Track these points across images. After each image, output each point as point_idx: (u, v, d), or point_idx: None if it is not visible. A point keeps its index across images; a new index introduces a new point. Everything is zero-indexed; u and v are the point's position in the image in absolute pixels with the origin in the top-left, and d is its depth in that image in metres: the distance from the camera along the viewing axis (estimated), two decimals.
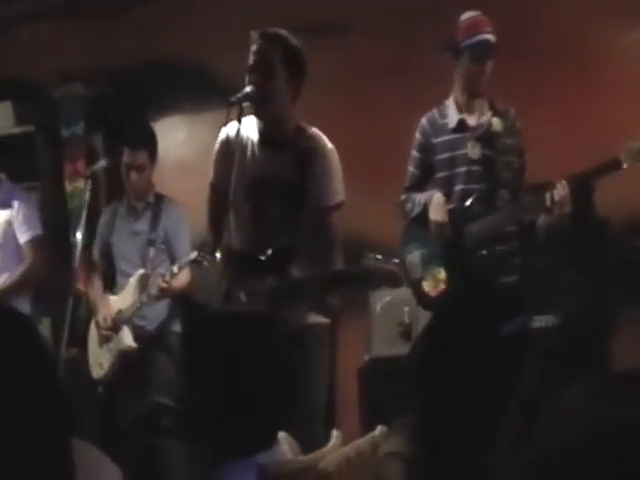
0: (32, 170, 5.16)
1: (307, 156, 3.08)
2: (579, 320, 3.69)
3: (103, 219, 4.19)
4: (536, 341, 3.34)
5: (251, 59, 3.07)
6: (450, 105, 3.61)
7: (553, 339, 3.57)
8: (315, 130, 3.17)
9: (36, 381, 1.11)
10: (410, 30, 4.50)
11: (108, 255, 4.14)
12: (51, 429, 1.10)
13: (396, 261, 3.10)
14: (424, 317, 3.39)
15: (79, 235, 3.83)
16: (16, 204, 4.42)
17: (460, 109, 3.59)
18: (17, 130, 5.21)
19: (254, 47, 3.08)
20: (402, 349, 3.68)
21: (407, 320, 3.95)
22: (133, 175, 4.01)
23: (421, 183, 3.67)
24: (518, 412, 1.67)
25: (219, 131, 3.21)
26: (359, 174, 4.09)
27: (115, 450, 1.73)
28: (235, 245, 3.16)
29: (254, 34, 3.10)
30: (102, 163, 4.21)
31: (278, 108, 3.08)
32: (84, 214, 3.87)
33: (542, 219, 3.52)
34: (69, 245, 4.72)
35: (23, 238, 4.40)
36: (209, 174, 3.28)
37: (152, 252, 3.97)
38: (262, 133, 3.15)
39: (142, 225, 4.06)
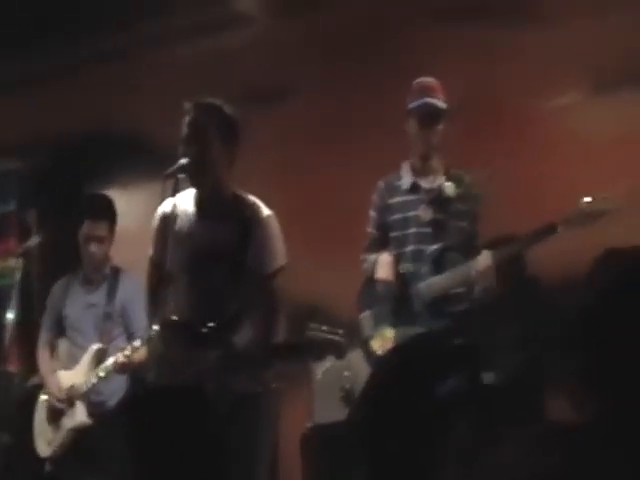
0: None
1: (246, 224, 3.10)
2: (516, 379, 3.71)
3: (55, 291, 4.12)
4: (476, 398, 3.35)
5: (185, 130, 3.10)
6: (405, 167, 3.68)
7: (493, 396, 3.58)
8: (252, 197, 3.19)
9: None
10: (359, 92, 4.56)
11: (60, 328, 4.06)
12: None
13: (340, 332, 3.09)
14: (364, 380, 3.37)
15: (10, 314, 3.75)
16: None
17: (414, 172, 3.65)
18: None
19: (187, 118, 3.11)
20: (343, 414, 3.67)
21: (347, 385, 3.94)
22: (93, 247, 3.98)
23: (380, 243, 3.70)
24: (456, 465, 1.65)
25: (156, 203, 3.21)
26: (309, 240, 4.13)
27: None
28: (175, 317, 3.12)
29: (187, 105, 3.13)
30: (35, 239, 4.18)
31: (214, 177, 3.10)
32: (16, 294, 3.80)
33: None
34: None
35: None
36: (148, 246, 3.26)
37: (109, 325, 3.92)
38: (199, 203, 3.17)
39: (98, 297, 4.02)
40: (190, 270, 3.13)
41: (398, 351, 2.16)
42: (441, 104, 3.55)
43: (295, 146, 4.68)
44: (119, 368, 3.75)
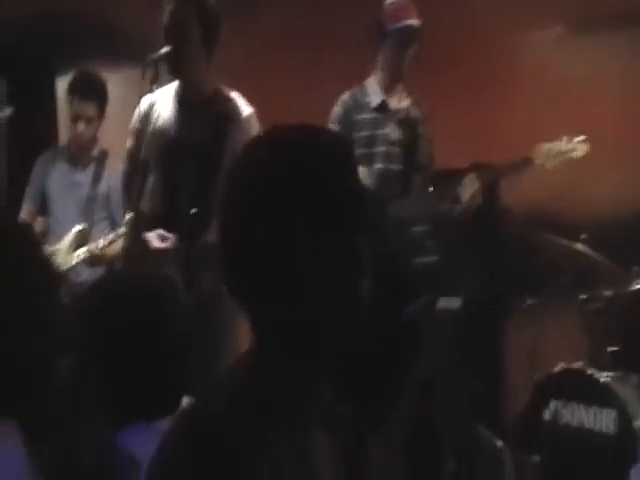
0: None
1: (225, 119, 3.10)
2: (477, 305, 3.87)
3: (39, 163, 4.01)
4: (438, 322, 3.50)
5: (166, 19, 3.10)
6: (372, 85, 3.67)
7: (454, 321, 3.75)
8: (234, 93, 3.20)
9: None
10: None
11: (42, 201, 3.99)
12: None
13: None
14: None
15: None
16: None
17: (383, 90, 3.65)
18: None
19: (169, 6, 3.10)
20: None
21: None
22: (80, 126, 3.86)
23: None
24: (414, 392, 1.77)
25: (134, 89, 3.21)
26: None
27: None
28: (148, 209, 3.17)
29: None
30: (6, 112, 4.11)
31: (193, 68, 3.12)
32: None
33: (457, 208, 3.62)
34: None
35: None
36: (124, 134, 3.27)
37: (92, 208, 3.87)
38: (178, 95, 3.18)
39: (83, 178, 3.94)
40: (164, 164, 3.16)
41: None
42: (418, 24, 3.58)
43: (270, 50, 4.64)
44: (91, 261, 3.73)
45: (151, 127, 3.15)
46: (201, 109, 3.15)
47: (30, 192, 4.03)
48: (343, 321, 1.09)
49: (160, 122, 3.18)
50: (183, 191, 3.14)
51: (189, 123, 3.15)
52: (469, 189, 3.45)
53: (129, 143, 3.28)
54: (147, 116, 3.18)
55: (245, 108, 3.17)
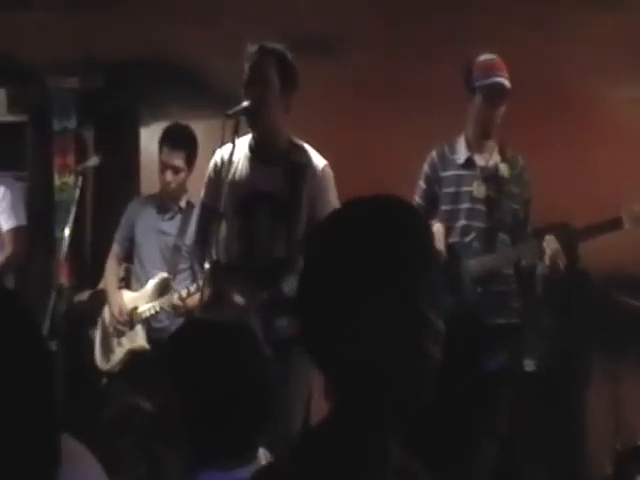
0: (21, 160, 5.17)
1: (300, 170, 3.17)
2: (555, 367, 3.78)
3: (130, 208, 4.13)
4: (517, 382, 3.42)
5: (247, 74, 3.18)
6: (461, 142, 3.67)
7: (531, 382, 3.66)
8: (307, 145, 3.26)
9: (31, 371, 1.17)
10: (422, 55, 4.54)
11: (130, 245, 4.09)
12: (42, 419, 1.16)
13: None
14: None
15: (67, 230, 3.85)
16: (1, 192, 4.45)
17: (470, 147, 3.65)
18: (9, 119, 5.22)
19: (251, 62, 3.19)
20: None
21: None
22: (168, 175, 3.97)
23: (426, 214, 3.68)
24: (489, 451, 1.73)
25: (214, 140, 3.29)
26: (358, 193, 4.11)
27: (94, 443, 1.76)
28: (225, 259, 3.22)
29: (251, 48, 3.20)
30: (94, 160, 4.24)
31: (271, 121, 3.19)
32: (73, 209, 3.90)
33: (540, 267, 3.56)
34: (53, 238, 4.74)
35: (6, 226, 4.43)
36: (200, 183, 3.34)
37: (176, 257, 3.94)
38: (254, 147, 3.25)
39: (170, 227, 4.02)
40: (242, 213, 3.22)
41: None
42: (508, 84, 3.57)
43: (345, 98, 4.68)
44: (173, 310, 3.79)
45: (227, 178, 3.21)
46: (277, 160, 3.21)
47: (119, 236, 4.14)
48: (410, 381, 1.17)
49: (237, 173, 3.24)
50: (260, 241, 3.18)
51: (266, 174, 3.21)
52: (549, 249, 3.38)
53: (203, 194, 3.34)
54: (222, 168, 3.24)
55: (320, 159, 3.23)
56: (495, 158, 3.66)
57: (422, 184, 3.73)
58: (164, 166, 3.99)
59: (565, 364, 3.86)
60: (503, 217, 3.60)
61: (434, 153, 3.71)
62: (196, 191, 3.80)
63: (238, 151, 3.24)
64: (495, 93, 3.55)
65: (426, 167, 3.71)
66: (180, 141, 3.98)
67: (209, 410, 1.74)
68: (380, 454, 1.18)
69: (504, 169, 3.61)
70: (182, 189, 4.05)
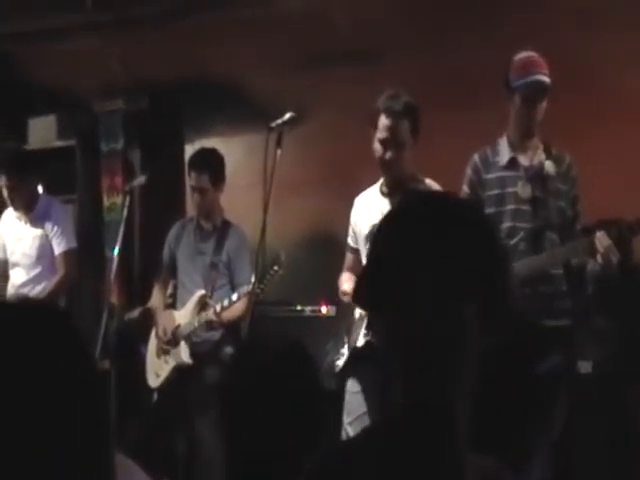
0: (70, 182, 5.29)
1: None
2: (609, 368, 3.69)
3: (172, 231, 4.29)
4: (570, 384, 3.33)
5: (383, 134, 3.36)
6: (503, 143, 3.60)
7: (585, 384, 3.57)
8: (428, 179, 3.49)
9: (85, 391, 1.18)
10: (466, 59, 4.53)
11: (173, 267, 4.25)
12: (96, 438, 1.17)
13: None
14: None
15: (117, 250, 3.92)
16: (53, 217, 4.55)
17: (513, 147, 3.57)
18: (59, 144, 5.34)
19: (386, 122, 3.35)
20: None
21: None
22: (196, 197, 4.14)
23: None
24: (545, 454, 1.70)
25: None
26: None
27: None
28: None
29: (382, 105, 3.36)
30: (141, 180, 4.32)
31: (403, 168, 3.42)
32: (122, 229, 3.97)
33: (591, 265, 3.49)
34: (103, 258, 4.83)
35: (58, 250, 4.53)
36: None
37: (214, 275, 4.08)
38: (383, 188, 3.51)
39: (207, 247, 4.15)
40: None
41: None
42: (547, 80, 3.51)
43: None
44: (208, 324, 3.93)
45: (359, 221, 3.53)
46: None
47: (164, 259, 4.28)
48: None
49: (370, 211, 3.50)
50: None
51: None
52: (601, 246, 3.30)
53: (349, 239, 3.63)
54: (363, 211, 3.53)
55: (438, 189, 3.41)
56: (540, 156, 3.57)
57: (465, 188, 3.68)
58: (192, 189, 4.16)
59: (622, 365, 3.75)
60: (550, 216, 3.51)
61: (476, 156, 3.66)
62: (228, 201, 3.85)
63: (369, 197, 3.53)
64: (534, 91, 3.47)
65: (468, 170, 3.65)
66: (204, 164, 4.12)
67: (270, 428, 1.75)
68: (449, 437, 1.19)
69: (550, 167, 3.53)
70: (214, 208, 4.18)
